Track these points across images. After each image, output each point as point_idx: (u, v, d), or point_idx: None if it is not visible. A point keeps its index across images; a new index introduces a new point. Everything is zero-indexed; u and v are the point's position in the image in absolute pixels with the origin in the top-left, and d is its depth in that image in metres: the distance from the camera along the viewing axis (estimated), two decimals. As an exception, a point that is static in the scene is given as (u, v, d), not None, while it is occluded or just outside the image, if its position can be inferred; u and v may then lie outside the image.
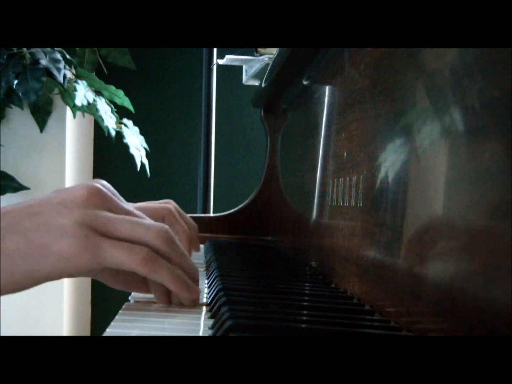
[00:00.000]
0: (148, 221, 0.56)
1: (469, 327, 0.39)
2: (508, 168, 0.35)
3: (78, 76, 1.88)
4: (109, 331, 0.48)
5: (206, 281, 0.78)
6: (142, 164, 1.96)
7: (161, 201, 0.90)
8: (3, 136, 2.00)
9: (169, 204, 0.89)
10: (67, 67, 1.78)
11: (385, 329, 0.49)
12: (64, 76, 1.73)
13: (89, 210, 0.49)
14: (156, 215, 0.90)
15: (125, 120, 1.95)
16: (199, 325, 0.52)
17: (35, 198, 0.51)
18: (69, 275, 0.49)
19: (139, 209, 0.58)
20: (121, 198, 0.57)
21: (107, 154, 2.37)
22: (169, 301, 0.59)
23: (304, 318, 0.52)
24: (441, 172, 0.45)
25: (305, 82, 1.01)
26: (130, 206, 0.57)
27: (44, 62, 1.71)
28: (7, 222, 0.47)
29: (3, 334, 1.95)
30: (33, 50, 1.73)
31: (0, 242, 0.46)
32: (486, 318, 0.37)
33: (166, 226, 0.56)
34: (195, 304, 0.59)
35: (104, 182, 0.56)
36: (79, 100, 1.77)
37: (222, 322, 0.47)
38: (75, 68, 1.89)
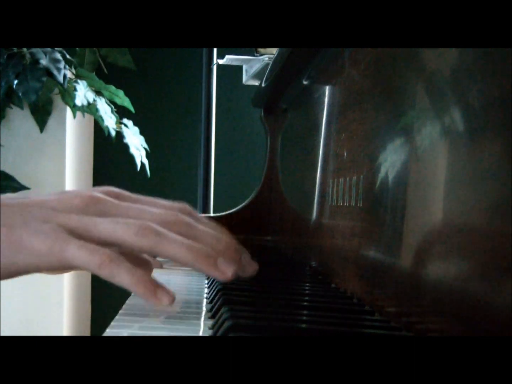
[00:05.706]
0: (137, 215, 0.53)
1: (469, 327, 0.39)
2: (508, 168, 0.35)
3: (78, 76, 1.88)
4: (109, 331, 0.48)
5: (206, 281, 0.78)
6: (142, 164, 1.96)
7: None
8: (3, 136, 2.00)
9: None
10: (67, 67, 1.78)
11: (385, 329, 0.49)
12: (64, 76, 1.73)
13: (74, 215, 0.50)
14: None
15: (125, 120, 1.95)
16: (199, 325, 0.52)
17: (34, 197, 0.52)
18: (41, 271, 0.50)
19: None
20: (134, 197, 0.57)
21: (107, 154, 2.37)
22: None
23: (304, 318, 0.52)
24: (441, 172, 0.45)
25: (305, 82, 1.01)
26: (137, 201, 0.56)
27: (44, 62, 1.71)
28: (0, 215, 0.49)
29: (3, 334, 1.94)
30: (33, 50, 1.73)
31: None
32: (486, 318, 0.37)
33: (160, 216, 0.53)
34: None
35: (111, 189, 0.55)
36: (79, 100, 1.77)
37: (221, 322, 0.47)
38: (75, 68, 1.89)
